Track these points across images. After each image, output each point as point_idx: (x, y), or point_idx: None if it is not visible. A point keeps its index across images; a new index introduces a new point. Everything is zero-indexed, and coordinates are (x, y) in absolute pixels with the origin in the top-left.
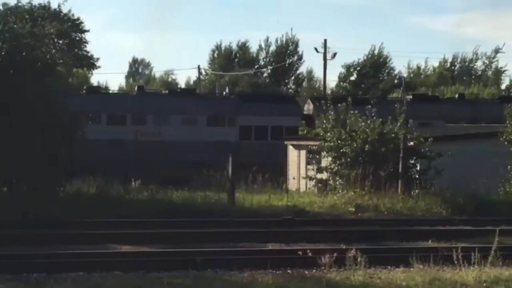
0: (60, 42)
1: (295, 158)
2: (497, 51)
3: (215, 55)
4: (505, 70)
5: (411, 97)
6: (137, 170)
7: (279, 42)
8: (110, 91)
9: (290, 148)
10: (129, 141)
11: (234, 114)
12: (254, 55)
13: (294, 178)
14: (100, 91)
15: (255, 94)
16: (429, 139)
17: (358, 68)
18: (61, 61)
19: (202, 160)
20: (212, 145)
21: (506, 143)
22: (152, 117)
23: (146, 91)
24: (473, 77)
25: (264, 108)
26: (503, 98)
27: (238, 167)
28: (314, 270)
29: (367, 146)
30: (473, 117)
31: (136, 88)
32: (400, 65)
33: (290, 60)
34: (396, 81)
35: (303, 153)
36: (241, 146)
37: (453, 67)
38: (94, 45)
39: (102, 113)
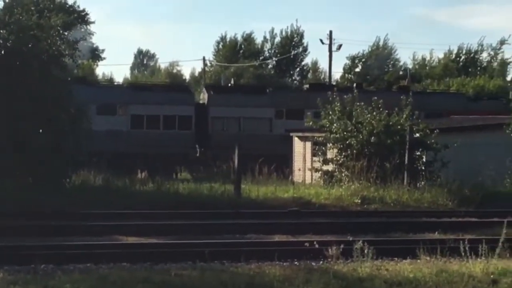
0: (66, 33)
1: (301, 149)
2: (502, 42)
3: (220, 46)
4: (510, 62)
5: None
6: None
7: (284, 33)
8: None
9: (296, 139)
10: None
11: (126, 103)
12: (259, 46)
13: (299, 170)
14: None
15: (147, 84)
16: (435, 131)
17: (363, 60)
18: (66, 52)
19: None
20: (103, 134)
21: None
22: None
23: None
24: (479, 68)
25: (156, 97)
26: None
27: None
28: (321, 262)
29: (373, 137)
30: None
31: None
32: (405, 57)
33: (295, 52)
34: (401, 72)
35: (308, 144)
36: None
37: (458, 59)
38: (99, 36)
39: None
